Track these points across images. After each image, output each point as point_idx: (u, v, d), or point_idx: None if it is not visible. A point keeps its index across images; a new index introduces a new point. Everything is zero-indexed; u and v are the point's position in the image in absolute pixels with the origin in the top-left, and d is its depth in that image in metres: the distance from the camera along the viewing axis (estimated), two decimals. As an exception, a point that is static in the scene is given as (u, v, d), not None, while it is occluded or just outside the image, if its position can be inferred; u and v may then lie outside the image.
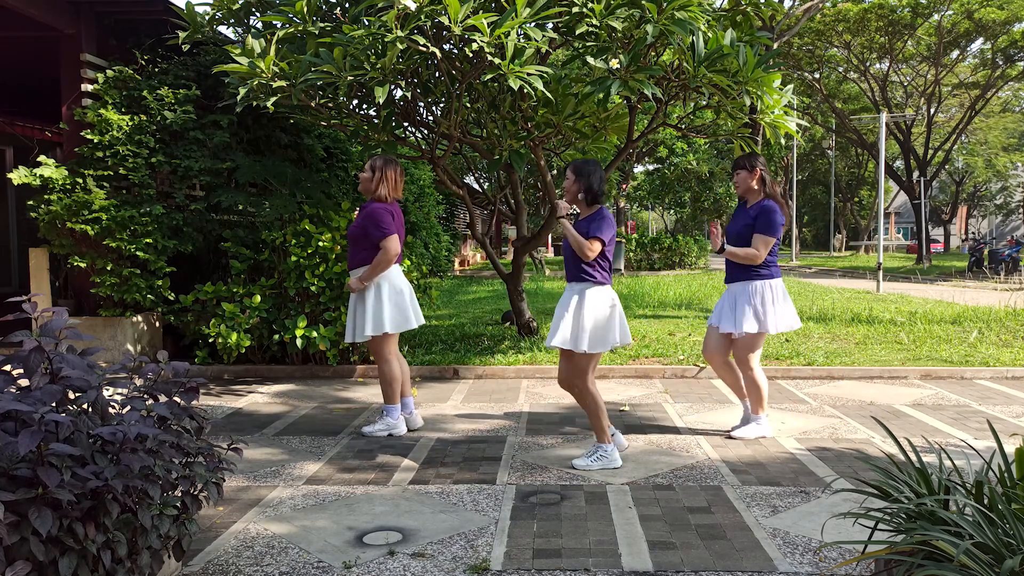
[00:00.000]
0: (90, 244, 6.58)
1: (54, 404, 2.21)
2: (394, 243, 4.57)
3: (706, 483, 3.82)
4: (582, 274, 4.00)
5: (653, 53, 5.98)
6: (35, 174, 6.39)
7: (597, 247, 3.93)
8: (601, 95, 5.30)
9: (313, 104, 5.86)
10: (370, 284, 4.64)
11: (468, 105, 6.57)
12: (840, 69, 29.27)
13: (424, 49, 4.97)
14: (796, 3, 21.63)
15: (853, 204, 48.71)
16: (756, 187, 4.56)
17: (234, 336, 6.24)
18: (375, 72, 4.99)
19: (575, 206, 4.13)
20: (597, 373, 6.72)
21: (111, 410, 2.47)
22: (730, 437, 4.67)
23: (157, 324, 7.16)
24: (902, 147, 28.45)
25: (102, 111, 6.49)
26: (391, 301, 4.64)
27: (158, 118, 6.60)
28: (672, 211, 33.31)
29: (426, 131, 7.20)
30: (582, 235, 3.98)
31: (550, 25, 5.67)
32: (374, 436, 4.74)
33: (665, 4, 5.13)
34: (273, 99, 5.33)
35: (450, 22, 4.78)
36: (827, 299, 12.92)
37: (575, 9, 5.28)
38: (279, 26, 5.54)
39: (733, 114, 6.14)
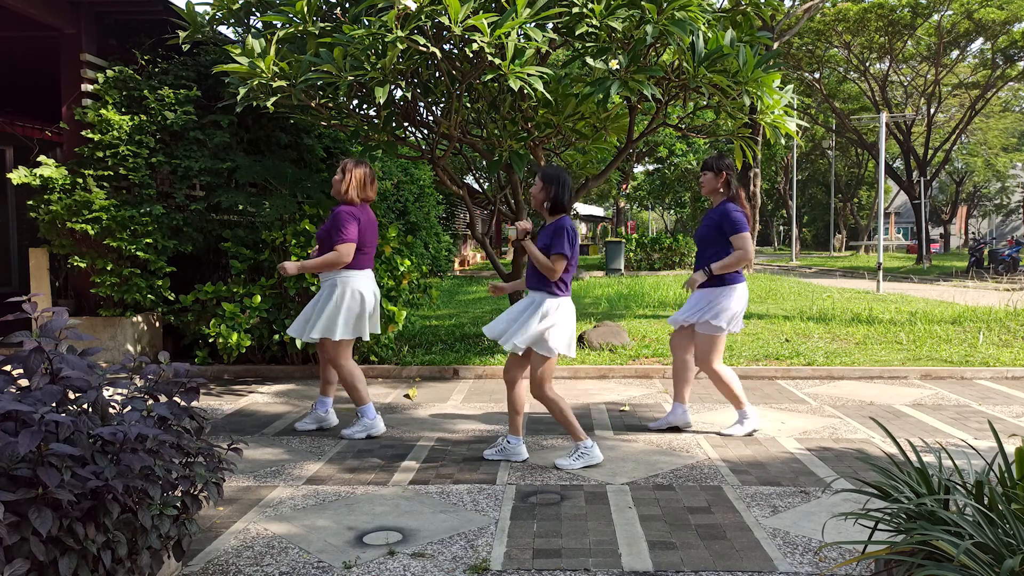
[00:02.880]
0: (90, 244, 6.58)
1: (54, 404, 2.22)
2: (348, 250, 4.51)
3: (706, 483, 3.82)
4: (543, 285, 4.02)
5: (653, 53, 5.98)
6: (35, 174, 6.39)
7: (561, 265, 3.95)
8: (601, 96, 5.30)
9: (313, 104, 5.86)
10: (334, 285, 4.58)
11: (468, 105, 6.57)
12: (840, 69, 29.27)
13: (424, 49, 4.96)
14: (796, 3, 21.63)
15: (853, 204, 48.70)
16: (721, 189, 4.64)
17: (234, 336, 6.24)
18: (375, 72, 4.99)
19: (541, 212, 4.14)
20: (598, 372, 6.72)
21: (111, 410, 2.48)
22: (720, 434, 4.73)
23: (157, 324, 7.16)
24: (902, 147, 28.44)
25: (102, 111, 6.49)
26: (348, 308, 4.56)
27: (158, 118, 6.60)
28: (672, 211, 33.33)
29: (426, 131, 7.20)
30: (544, 247, 3.99)
31: (550, 25, 5.67)
32: (353, 439, 4.68)
33: (665, 4, 5.13)
34: (273, 99, 5.32)
35: (450, 22, 4.78)
36: (827, 299, 12.92)
37: (575, 9, 5.28)
38: (279, 26, 5.54)
39: (733, 114, 6.14)
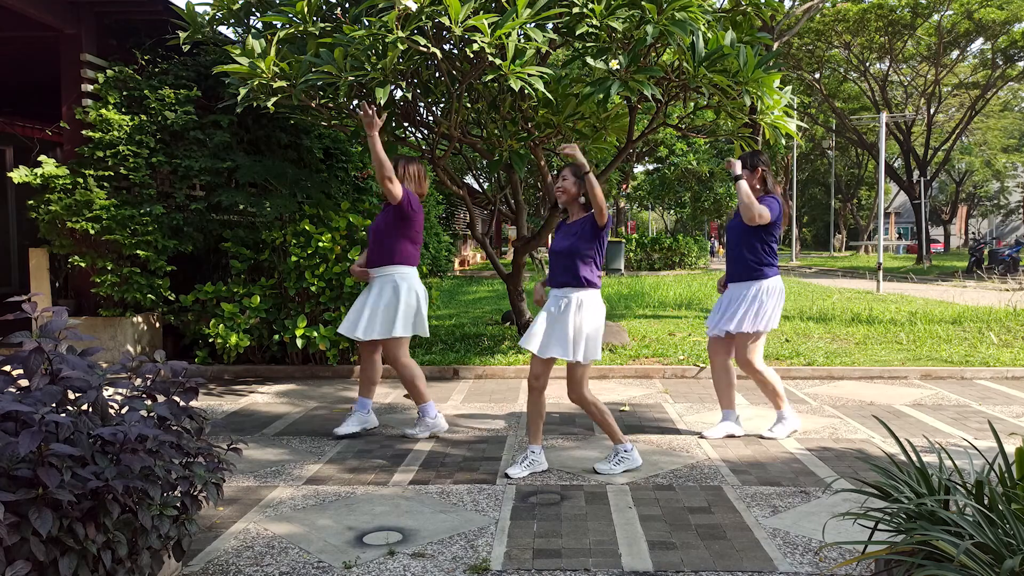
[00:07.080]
0: (90, 244, 6.58)
1: (54, 404, 2.22)
2: (399, 189, 4.43)
3: (706, 483, 3.82)
4: (580, 280, 3.84)
5: (653, 53, 5.98)
6: (35, 174, 6.39)
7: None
8: (601, 96, 5.30)
9: (313, 104, 5.86)
10: (391, 282, 4.53)
11: (468, 105, 6.57)
12: (840, 69, 29.27)
13: (425, 50, 4.96)
14: (796, 3, 21.63)
15: (853, 204, 48.72)
16: (758, 186, 4.64)
17: (233, 337, 6.24)
18: (376, 73, 4.99)
19: (570, 208, 3.96)
20: (597, 372, 6.72)
21: (111, 410, 2.48)
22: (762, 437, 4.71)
23: (157, 324, 7.16)
24: (902, 147, 28.44)
25: (103, 111, 6.48)
26: (406, 304, 4.53)
27: (159, 118, 6.60)
28: (672, 211, 33.30)
29: (426, 131, 7.20)
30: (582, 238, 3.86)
31: (550, 25, 5.66)
32: (417, 438, 4.68)
33: (665, 5, 5.12)
34: (273, 99, 5.32)
35: (451, 23, 4.78)
36: (827, 299, 12.91)
37: (575, 10, 5.28)
38: (279, 26, 5.54)
39: (733, 114, 6.14)
